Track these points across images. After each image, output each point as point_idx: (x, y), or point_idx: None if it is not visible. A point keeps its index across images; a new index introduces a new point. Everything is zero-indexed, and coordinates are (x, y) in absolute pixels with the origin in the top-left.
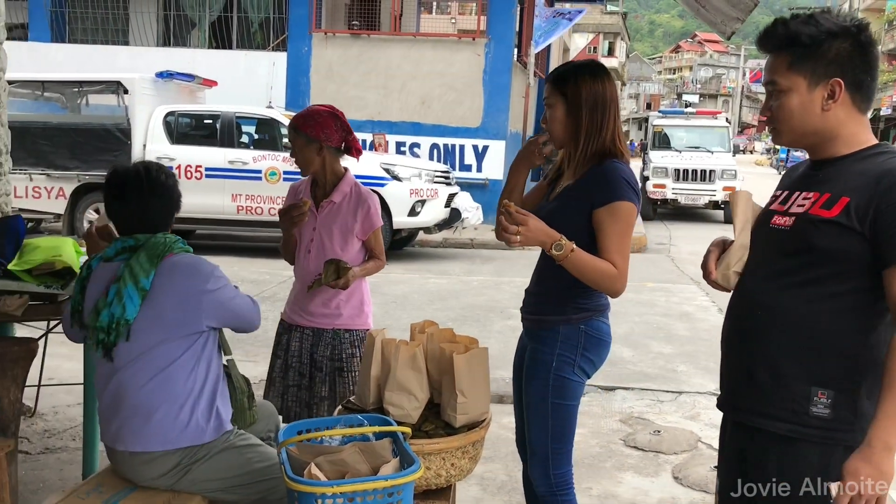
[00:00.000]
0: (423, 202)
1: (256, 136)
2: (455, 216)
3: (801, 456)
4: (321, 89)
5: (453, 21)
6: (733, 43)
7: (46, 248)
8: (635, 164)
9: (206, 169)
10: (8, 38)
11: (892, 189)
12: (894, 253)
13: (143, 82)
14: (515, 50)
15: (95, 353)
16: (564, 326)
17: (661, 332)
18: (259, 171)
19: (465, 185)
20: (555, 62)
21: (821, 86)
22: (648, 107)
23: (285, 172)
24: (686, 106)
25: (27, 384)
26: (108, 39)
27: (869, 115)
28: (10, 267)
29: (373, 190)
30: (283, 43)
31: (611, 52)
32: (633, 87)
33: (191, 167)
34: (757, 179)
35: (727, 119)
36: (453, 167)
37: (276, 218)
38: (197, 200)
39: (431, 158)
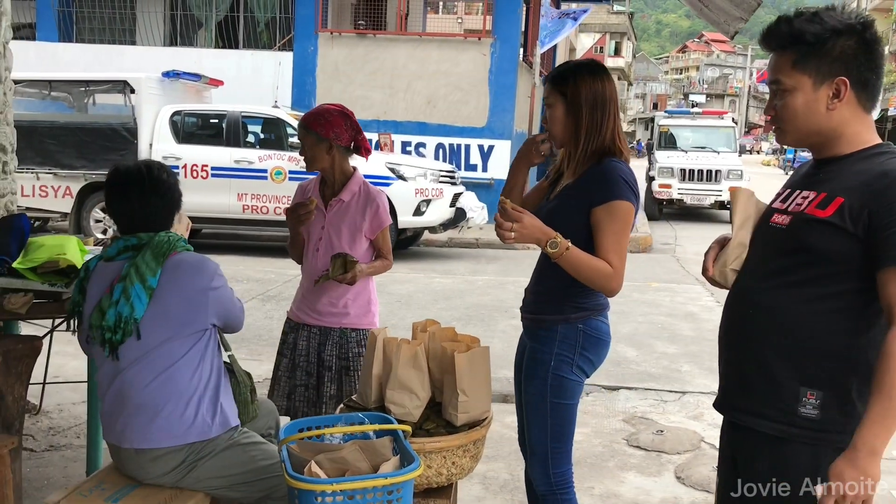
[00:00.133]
0: (428, 202)
1: (262, 136)
2: (460, 216)
3: (792, 456)
4: (327, 89)
5: (459, 21)
6: (740, 43)
7: (51, 246)
8: (642, 164)
9: (212, 168)
10: (16, 38)
11: (887, 191)
12: (888, 255)
13: (149, 82)
14: (521, 50)
15: (102, 352)
16: (563, 326)
17: (665, 332)
18: (265, 171)
19: (471, 185)
20: (561, 62)
21: (826, 84)
22: (655, 107)
23: (291, 172)
24: (693, 106)
25: (33, 381)
26: (115, 39)
27: (876, 115)
28: (14, 265)
29: None
30: (289, 42)
31: (617, 52)
32: (639, 87)
33: (197, 166)
34: (763, 180)
35: (733, 119)
36: (459, 167)
37: (282, 217)
38: (203, 200)
39: (437, 158)
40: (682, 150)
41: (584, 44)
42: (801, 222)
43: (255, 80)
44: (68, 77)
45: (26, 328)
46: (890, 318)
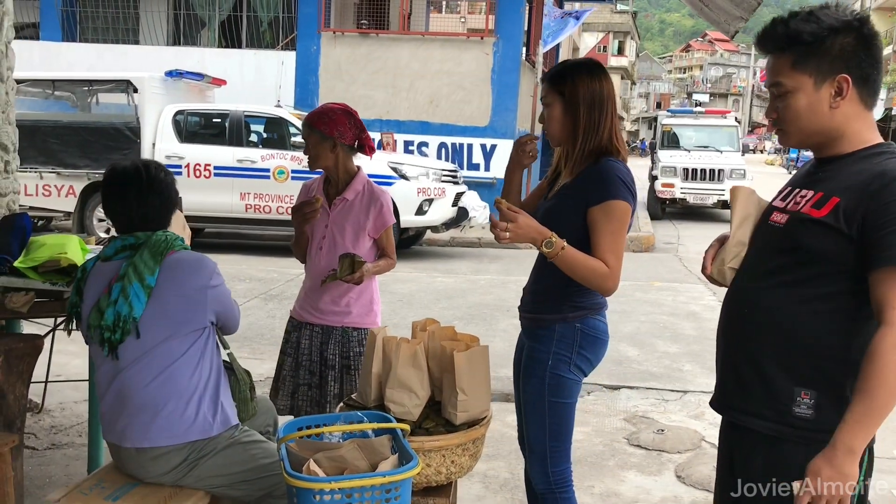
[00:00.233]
0: (430, 201)
1: (265, 135)
2: (462, 215)
3: (787, 456)
4: (330, 88)
5: (462, 20)
6: (744, 42)
7: (52, 245)
8: (645, 163)
9: (215, 167)
10: (19, 38)
11: (882, 192)
12: (880, 256)
13: (152, 81)
14: (524, 49)
15: (101, 351)
16: (561, 325)
17: (667, 331)
18: (267, 170)
19: (473, 184)
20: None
21: (827, 83)
22: (658, 106)
23: (293, 171)
24: (696, 105)
25: (35, 380)
26: (119, 39)
27: (880, 114)
28: (16, 264)
29: None
30: (292, 42)
31: (621, 52)
32: (643, 86)
33: (199, 166)
34: (767, 179)
35: (736, 118)
36: (461, 166)
37: (284, 216)
38: (205, 199)
39: (439, 157)
40: (686, 150)
41: (588, 43)
42: (796, 221)
43: (257, 80)
44: (72, 76)
45: (28, 327)
46: (879, 319)
